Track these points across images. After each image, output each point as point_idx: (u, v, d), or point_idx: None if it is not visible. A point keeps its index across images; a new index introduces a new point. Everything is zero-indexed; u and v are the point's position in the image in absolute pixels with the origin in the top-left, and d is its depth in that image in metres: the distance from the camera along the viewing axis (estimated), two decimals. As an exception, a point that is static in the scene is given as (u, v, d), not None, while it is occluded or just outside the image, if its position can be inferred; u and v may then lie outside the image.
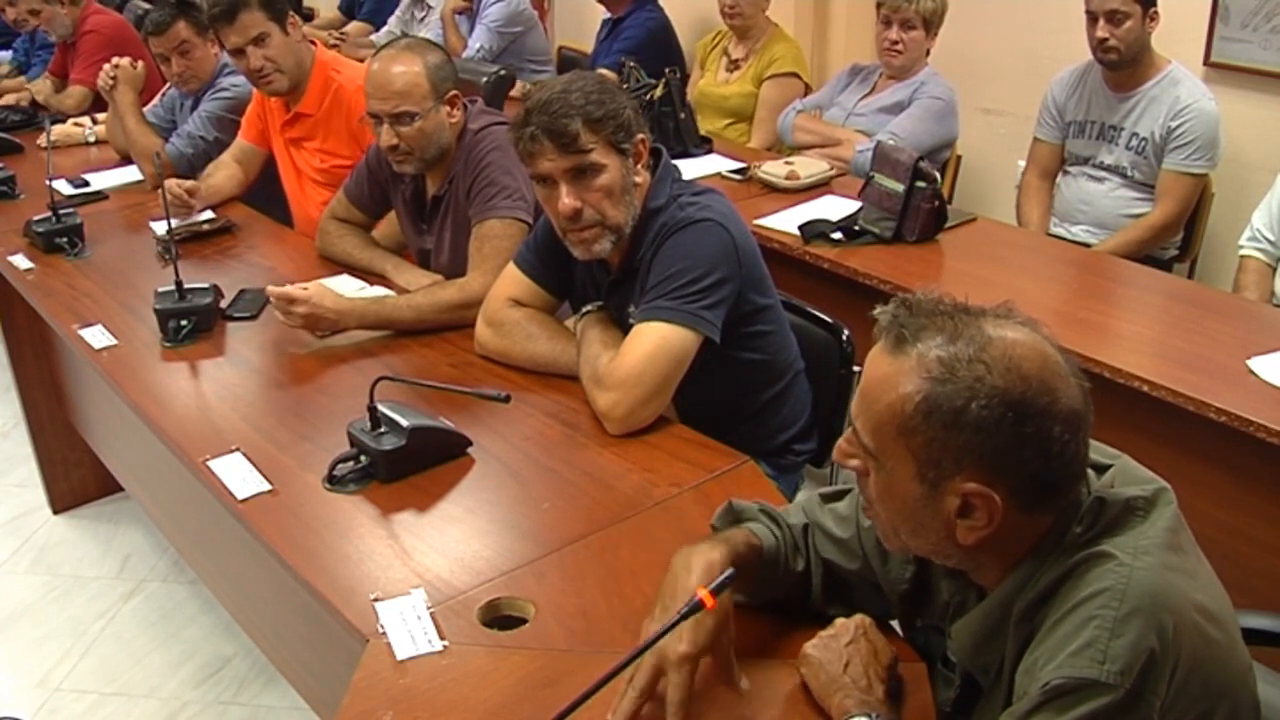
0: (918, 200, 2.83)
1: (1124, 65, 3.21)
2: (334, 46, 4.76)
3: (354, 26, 5.98)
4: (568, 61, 5.10)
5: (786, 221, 3.01)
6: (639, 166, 1.98)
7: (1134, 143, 3.27)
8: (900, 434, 1.13)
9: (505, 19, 4.88)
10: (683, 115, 3.63)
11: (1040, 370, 1.10)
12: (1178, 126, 3.17)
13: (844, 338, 2.23)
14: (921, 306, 1.16)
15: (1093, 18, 3.18)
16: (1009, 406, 1.08)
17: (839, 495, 1.49)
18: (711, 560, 1.35)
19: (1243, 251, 2.90)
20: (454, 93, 2.45)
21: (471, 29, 5.01)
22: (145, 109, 3.58)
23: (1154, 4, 3.13)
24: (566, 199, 1.92)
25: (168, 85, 3.66)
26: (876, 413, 1.15)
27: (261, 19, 2.87)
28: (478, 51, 4.84)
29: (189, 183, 3.01)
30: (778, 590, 1.46)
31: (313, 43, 3.09)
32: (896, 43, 3.56)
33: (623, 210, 1.96)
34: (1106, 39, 3.16)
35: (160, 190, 2.74)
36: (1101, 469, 1.20)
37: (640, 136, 1.97)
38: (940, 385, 1.10)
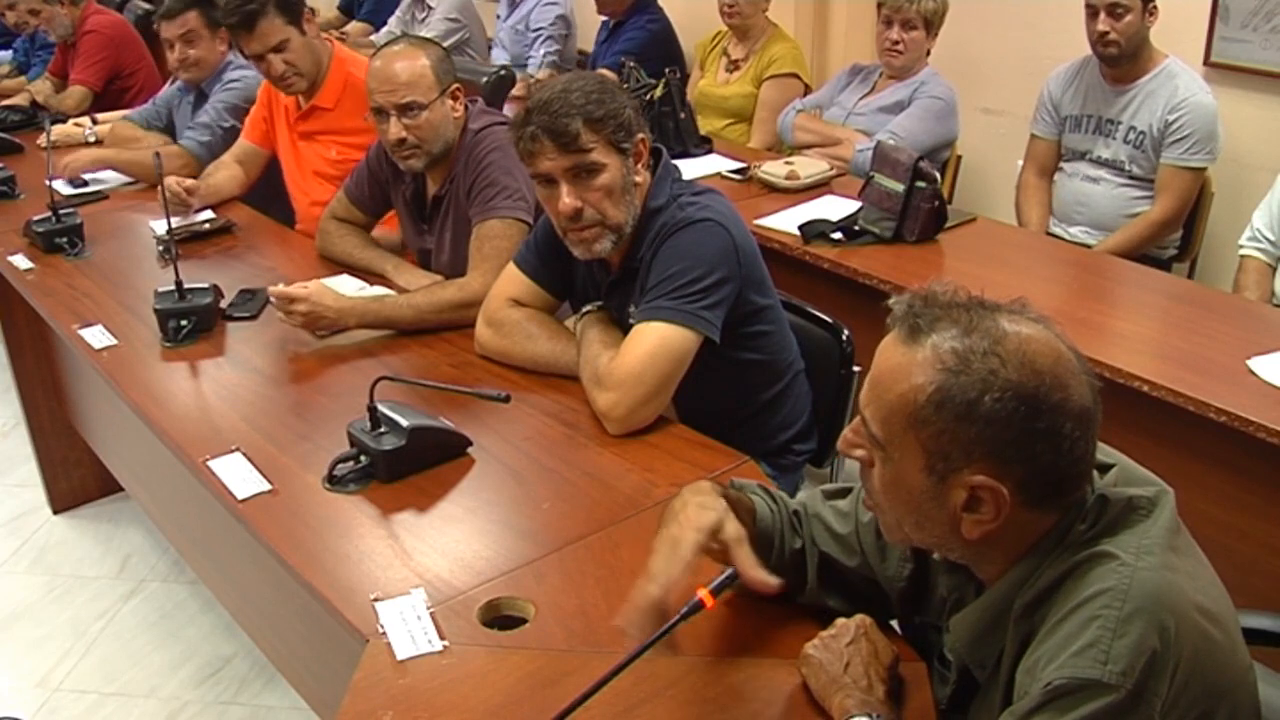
0: (918, 200, 2.83)
1: (1123, 59, 3.21)
2: (334, 45, 4.77)
3: (354, 26, 5.98)
4: (567, 61, 5.10)
5: (786, 221, 3.01)
6: (639, 166, 1.98)
7: (1131, 136, 3.26)
8: (911, 425, 1.12)
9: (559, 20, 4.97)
10: (683, 115, 3.63)
11: (1053, 366, 1.10)
12: (1175, 120, 3.17)
13: (844, 338, 2.23)
14: (937, 298, 1.15)
15: (1093, 11, 3.18)
16: (1022, 400, 1.08)
17: (841, 493, 1.49)
18: (701, 486, 1.42)
19: (1243, 251, 2.90)
20: (456, 86, 2.46)
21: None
22: (137, 109, 3.69)
23: None
24: (567, 198, 1.92)
25: (166, 83, 3.68)
26: (887, 402, 1.14)
27: (280, 25, 2.86)
28: (545, 58, 4.87)
29: (189, 181, 3.01)
30: (777, 571, 1.46)
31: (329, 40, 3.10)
32: (898, 43, 3.56)
33: (623, 210, 1.96)
34: (1107, 33, 3.16)
35: (161, 190, 2.74)
36: (1105, 469, 1.20)
37: (640, 136, 1.97)
38: (954, 377, 1.09)
